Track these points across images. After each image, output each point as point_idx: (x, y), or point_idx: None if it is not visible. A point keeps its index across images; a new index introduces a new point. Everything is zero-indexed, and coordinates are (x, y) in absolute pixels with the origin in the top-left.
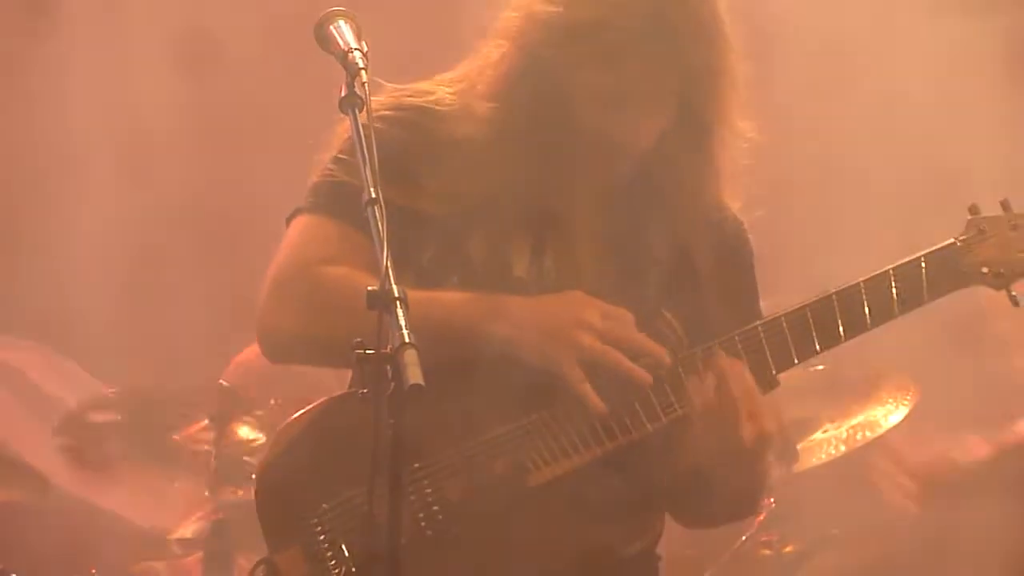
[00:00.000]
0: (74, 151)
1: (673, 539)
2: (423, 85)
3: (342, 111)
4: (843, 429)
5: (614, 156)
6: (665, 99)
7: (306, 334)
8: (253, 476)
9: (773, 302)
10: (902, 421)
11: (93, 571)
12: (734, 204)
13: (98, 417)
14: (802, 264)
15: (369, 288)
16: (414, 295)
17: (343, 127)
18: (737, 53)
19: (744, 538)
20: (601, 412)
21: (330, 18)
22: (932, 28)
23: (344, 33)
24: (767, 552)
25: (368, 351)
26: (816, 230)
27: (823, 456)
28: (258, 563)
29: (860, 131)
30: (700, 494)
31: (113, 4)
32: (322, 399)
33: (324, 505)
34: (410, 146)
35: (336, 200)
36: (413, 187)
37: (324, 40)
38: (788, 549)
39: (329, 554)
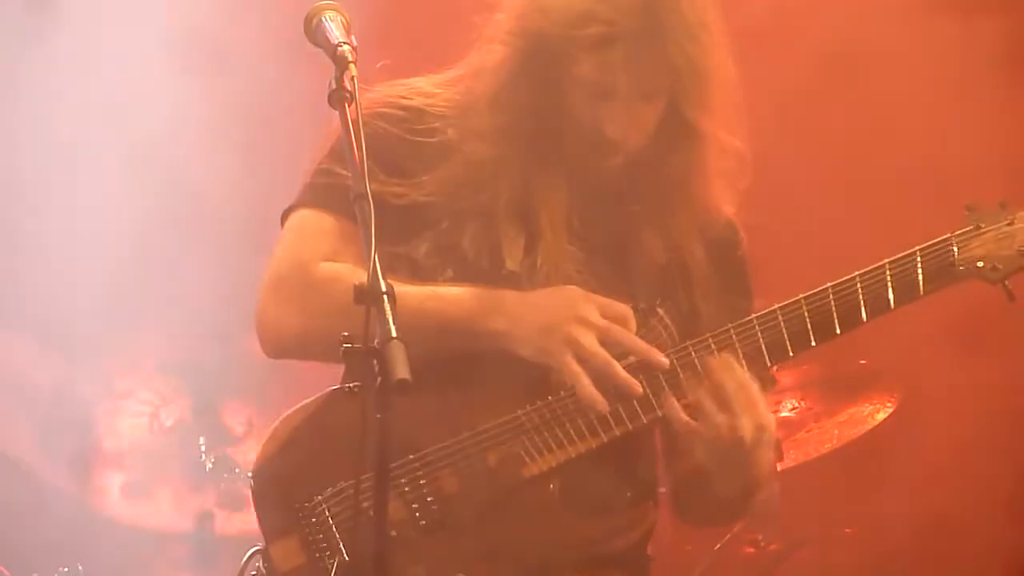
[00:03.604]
0: (72, 152)
1: (658, 539)
2: (421, 83)
3: (332, 105)
4: (830, 426)
5: (605, 151)
6: (655, 96)
7: (303, 332)
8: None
9: (769, 302)
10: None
11: (80, 567)
12: (727, 208)
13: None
14: (799, 264)
15: (356, 283)
16: (412, 289)
17: (338, 124)
18: (728, 57)
19: (729, 536)
20: (602, 408)
21: (319, 12)
22: (931, 28)
23: (333, 27)
24: (751, 550)
25: (355, 345)
26: (814, 230)
27: (810, 453)
28: (252, 552)
29: (859, 131)
30: (700, 492)
31: (113, 3)
32: (319, 394)
33: (318, 496)
34: (406, 142)
35: (329, 192)
36: (409, 182)
37: (313, 34)
38: (773, 547)
39: (323, 543)
